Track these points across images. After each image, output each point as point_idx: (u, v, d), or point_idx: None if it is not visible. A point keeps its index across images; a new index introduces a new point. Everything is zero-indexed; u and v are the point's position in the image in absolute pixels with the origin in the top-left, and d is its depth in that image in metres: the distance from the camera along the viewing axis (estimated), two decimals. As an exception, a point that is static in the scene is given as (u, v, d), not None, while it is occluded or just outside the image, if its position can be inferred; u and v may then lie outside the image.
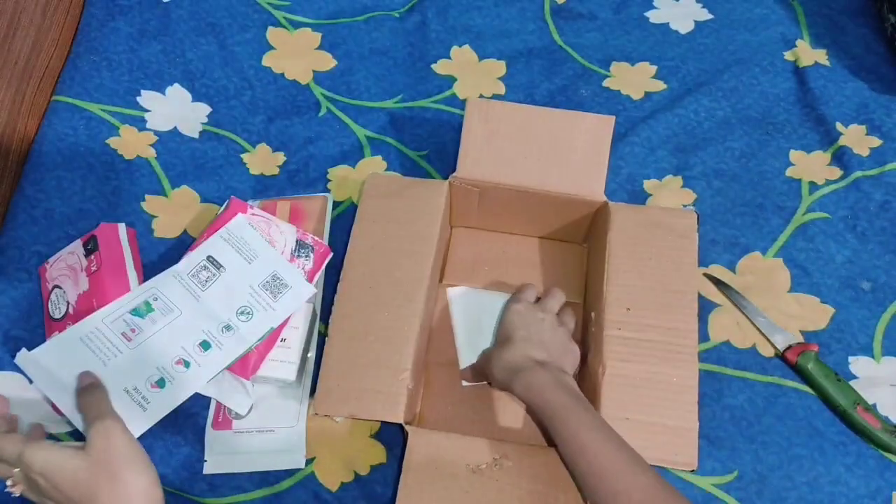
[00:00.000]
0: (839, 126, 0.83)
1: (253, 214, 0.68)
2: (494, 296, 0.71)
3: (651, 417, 0.58)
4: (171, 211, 0.77)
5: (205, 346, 0.62)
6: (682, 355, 0.60)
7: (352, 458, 0.65)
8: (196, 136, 0.82)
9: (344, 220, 0.75)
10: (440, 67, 0.88)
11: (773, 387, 0.68)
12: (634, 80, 0.87)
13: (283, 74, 0.87)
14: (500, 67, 0.88)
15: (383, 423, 0.65)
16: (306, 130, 0.83)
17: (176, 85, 0.85)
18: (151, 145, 0.80)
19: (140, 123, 0.82)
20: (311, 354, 0.68)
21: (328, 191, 0.78)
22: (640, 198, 0.79)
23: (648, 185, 0.79)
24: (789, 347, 0.69)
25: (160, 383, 0.60)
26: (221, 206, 0.72)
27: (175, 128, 0.82)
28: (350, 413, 0.59)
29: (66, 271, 0.67)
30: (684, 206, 0.78)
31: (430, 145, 0.82)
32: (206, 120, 0.83)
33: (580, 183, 0.67)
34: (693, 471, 0.57)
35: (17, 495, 0.51)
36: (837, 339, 0.71)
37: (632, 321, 0.61)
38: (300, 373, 0.65)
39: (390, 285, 0.63)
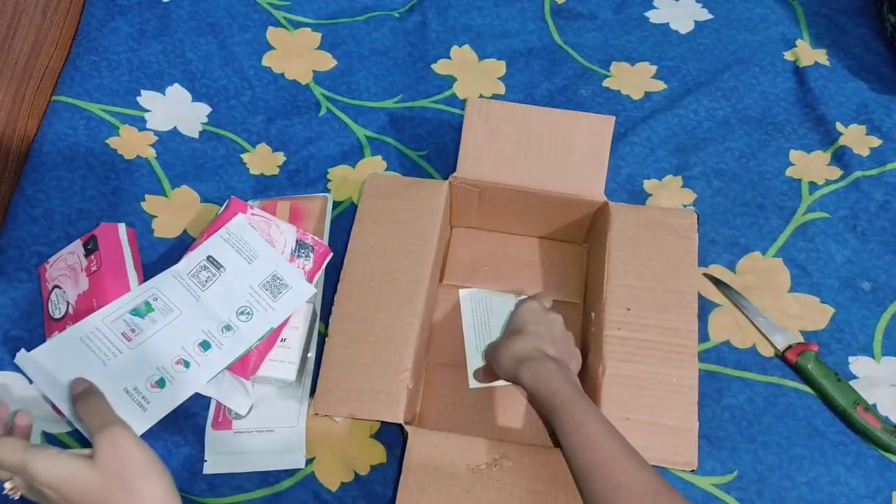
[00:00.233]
0: (839, 126, 0.83)
1: (253, 214, 0.68)
2: (505, 297, 0.72)
3: (651, 417, 0.58)
4: (171, 211, 0.77)
5: (205, 346, 0.62)
6: (682, 355, 0.60)
7: (352, 458, 0.65)
8: (196, 136, 0.82)
9: (344, 220, 0.75)
10: (440, 67, 0.88)
11: (773, 387, 0.68)
12: (634, 80, 0.87)
13: (283, 74, 0.87)
14: (500, 67, 0.88)
15: (383, 423, 0.65)
16: (306, 130, 0.83)
17: (176, 85, 0.85)
18: (151, 145, 0.80)
19: (140, 123, 0.82)
20: (311, 354, 0.68)
21: (328, 191, 0.78)
22: (640, 198, 0.79)
23: (648, 185, 0.79)
24: (789, 347, 0.69)
25: (160, 383, 0.60)
26: (221, 206, 0.72)
27: (175, 128, 0.82)
28: (350, 413, 0.59)
29: (66, 271, 0.67)
30: (684, 206, 0.78)
31: (430, 145, 0.82)
32: (206, 120, 0.83)
33: (580, 183, 0.67)
34: (693, 471, 0.57)
35: (17, 498, 0.50)
36: (837, 339, 0.71)
37: (632, 321, 0.61)
38: (300, 373, 0.65)
39: (390, 285, 0.63)
